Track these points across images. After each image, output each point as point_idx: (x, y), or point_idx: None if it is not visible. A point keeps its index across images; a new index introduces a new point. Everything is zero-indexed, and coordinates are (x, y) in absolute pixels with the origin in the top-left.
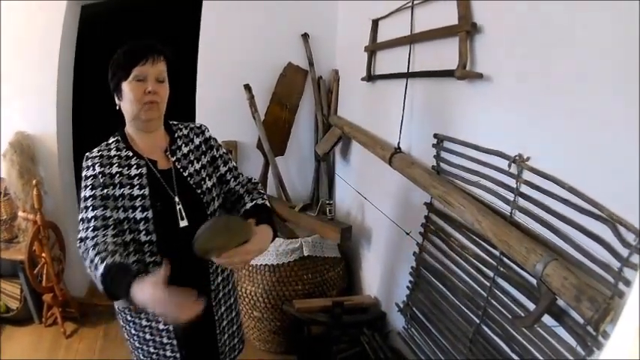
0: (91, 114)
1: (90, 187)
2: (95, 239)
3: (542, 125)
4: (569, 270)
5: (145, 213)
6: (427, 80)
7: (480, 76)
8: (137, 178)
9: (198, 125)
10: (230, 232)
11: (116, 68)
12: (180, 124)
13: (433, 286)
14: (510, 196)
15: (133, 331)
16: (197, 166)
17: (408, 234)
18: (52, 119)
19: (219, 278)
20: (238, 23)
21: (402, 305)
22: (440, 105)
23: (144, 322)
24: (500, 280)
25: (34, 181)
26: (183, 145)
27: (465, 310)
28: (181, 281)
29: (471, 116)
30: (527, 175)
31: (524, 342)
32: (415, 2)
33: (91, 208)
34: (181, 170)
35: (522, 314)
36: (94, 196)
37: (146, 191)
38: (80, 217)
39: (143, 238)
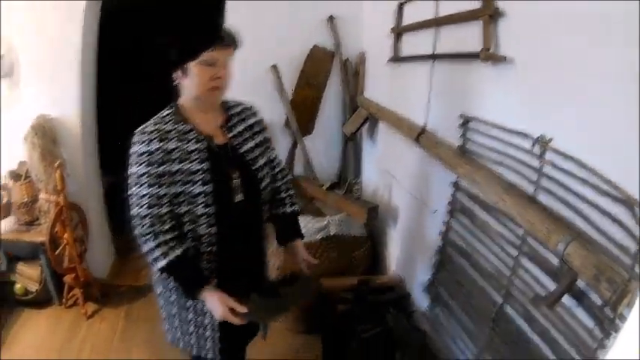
0: (114, 96)
1: (145, 163)
2: (151, 219)
3: (565, 107)
4: (589, 250)
5: (205, 187)
6: (452, 62)
7: (503, 59)
8: (196, 152)
9: (249, 106)
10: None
11: (185, 46)
12: (233, 101)
13: (458, 266)
14: (534, 176)
15: (174, 311)
16: (251, 144)
17: (434, 212)
18: (76, 102)
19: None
20: (266, 6)
21: (426, 285)
22: (464, 86)
23: (188, 304)
24: (523, 260)
25: (56, 163)
26: (238, 122)
27: (489, 289)
28: (236, 252)
29: (495, 98)
30: (550, 156)
31: (545, 323)
32: None
33: (146, 184)
34: (237, 147)
35: (543, 295)
36: (148, 174)
37: (205, 165)
38: (131, 191)
39: (200, 210)
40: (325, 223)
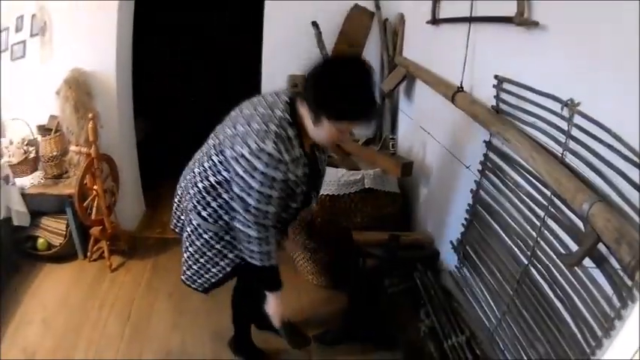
0: (150, 51)
1: (273, 188)
2: (273, 216)
3: (593, 72)
4: (612, 213)
5: (299, 199)
6: (488, 26)
7: (536, 24)
8: (303, 176)
9: None
10: None
11: (330, 107)
12: None
13: (486, 224)
14: (562, 138)
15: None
16: (324, 162)
17: (467, 167)
18: (112, 56)
19: None
20: None
21: (455, 244)
22: (499, 49)
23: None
24: (550, 222)
25: (90, 115)
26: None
27: (515, 249)
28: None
29: (528, 61)
30: (577, 120)
31: (567, 287)
32: None
33: (274, 205)
34: (318, 162)
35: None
36: (279, 197)
37: (305, 187)
38: (260, 206)
39: (283, 215)
40: (360, 176)
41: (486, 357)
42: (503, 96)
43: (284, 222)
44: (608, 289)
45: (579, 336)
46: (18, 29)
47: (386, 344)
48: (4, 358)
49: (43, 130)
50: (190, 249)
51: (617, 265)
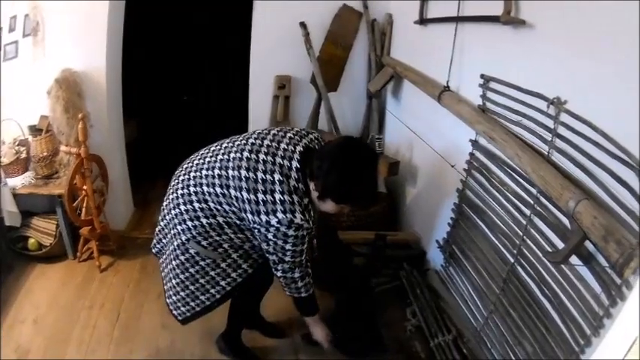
0: (140, 50)
1: (306, 242)
2: (305, 262)
3: (579, 71)
4: (598, 210)
5: None
6: (475, 25)
7: (522, 22)
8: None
9: None
10: None
11: (336, 192)
12: None
13: (473, 223)
14: (548, 136)
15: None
16: None
17: (453, 166)
18: (102, 56)
19: None
20: None
21: (441, 243)
22: (486, 48)
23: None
24: (536, 220)
25: (80, 115)
26: None
27: (502, 248)
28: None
29: (514, 59)
30: (564, 118)
31: (554, 286)
32: None
33: (302, 254)
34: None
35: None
36: (302, 250)
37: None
38: (295, 258)
39: None
40: None
41: (473, 356)
42: (490, 95)
43: None
44: (597, 287)
45: (567, 334)
46: (11, 29)
47: (373, 343)
48: None
49: (34, 130)
50: (182, 276)
51: (605, 263)
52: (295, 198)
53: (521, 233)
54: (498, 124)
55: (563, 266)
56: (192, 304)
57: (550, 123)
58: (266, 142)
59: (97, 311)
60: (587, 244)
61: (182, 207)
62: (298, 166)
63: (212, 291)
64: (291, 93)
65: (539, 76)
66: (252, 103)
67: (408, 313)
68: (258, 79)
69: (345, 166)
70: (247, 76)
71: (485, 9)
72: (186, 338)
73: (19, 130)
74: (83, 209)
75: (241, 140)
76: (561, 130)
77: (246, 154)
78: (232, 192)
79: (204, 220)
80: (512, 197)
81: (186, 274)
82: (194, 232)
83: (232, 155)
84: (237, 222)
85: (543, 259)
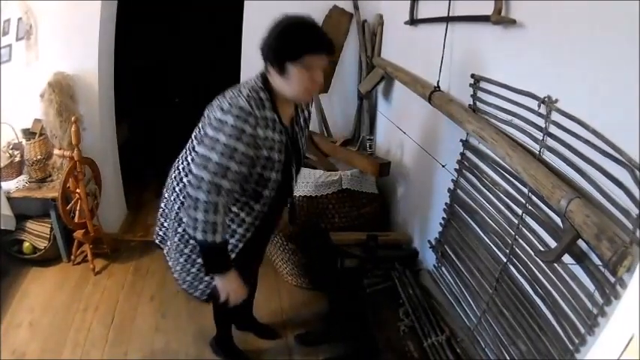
0: (132, 52)
1: (240, 141)
2: (226, 191)
3: (570, 69)
4: (591, 208)
5: (277, 174)
6: (465, 25)
7: (513, 21)
8: (279, 143)
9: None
10: None
11: (287, 47)
12: None
13: (464, 223)
14: (539, 136)
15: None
16: (304, 135)
17: (444, 166)
18: (94, 59)
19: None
20: None
21: (433, 243)
22: (476, 48)
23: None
24: (528, 219)
25: (73, 118)
26: (300, 115)
27: (494, 248)
28: (276, 208)
29: (505, 59)
30: (555, 117)
31: (547, 285)
32: None
33: (235, 160)
34: (297, 138)
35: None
36: (240, 152)
37: (282, 156)
38: (217, 160)
39: (266, 193)
40: (337, 177)
41: (467, 355)
42: (480, 94)
43: (267, 200)
44: (590, 286)
45: (561, 333)
46: (5, 33)
47: (366, 345)
48: None
49: (28, 133)
50: (186, 250)
51: (598, 261)
52: (245, 91)
53: (513, 232)
54: (489, 124)
55: (556, 265)
56: (206, 279)
57: (541, 122)
58: (228, 94)
59: (91, 314)
60: (580, 242)
61: (176, 188)
62: (259, 74)
63: None
64: None
65: (530, 75)
66: None
67: (400, 314)
68: None
69: (281, 23)
70: (239, 78)
71: (476, 9)
72: (180, 339)
73: (12, 134)
74: (77, 212)
75: None
76: (552, 129)
77: (206, 112)
78: (201, 149)
79: (185, 180)
80: (503, 197)
81: (190, 247)
82: (182, 199)
83: (200, 124)
84: None
85: (536, 258)
